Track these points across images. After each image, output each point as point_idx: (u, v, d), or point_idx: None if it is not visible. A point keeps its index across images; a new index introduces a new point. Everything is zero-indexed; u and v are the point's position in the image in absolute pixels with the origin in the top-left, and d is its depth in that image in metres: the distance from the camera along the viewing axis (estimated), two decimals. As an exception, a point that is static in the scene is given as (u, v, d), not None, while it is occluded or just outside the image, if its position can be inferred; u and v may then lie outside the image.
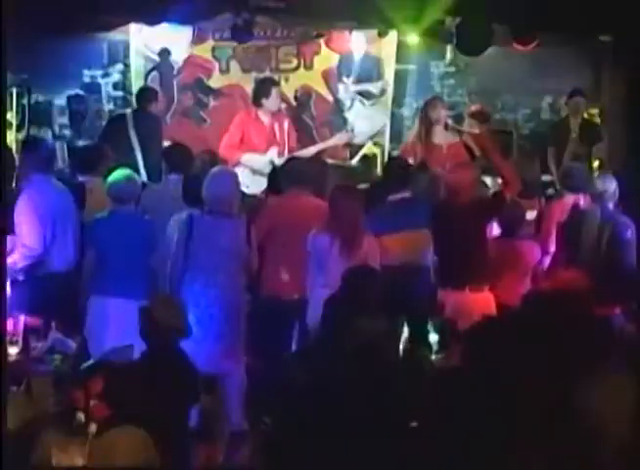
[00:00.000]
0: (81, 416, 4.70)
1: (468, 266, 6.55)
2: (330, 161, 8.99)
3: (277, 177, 7.42)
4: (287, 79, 10.00)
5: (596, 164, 9.12)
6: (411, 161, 8.03)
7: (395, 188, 7.05)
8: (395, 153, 9.68)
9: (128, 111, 9.38)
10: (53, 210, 6.58)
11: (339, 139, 9.54)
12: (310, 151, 8.96)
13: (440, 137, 8.44)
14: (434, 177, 7.60)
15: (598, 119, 9.86)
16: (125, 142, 8.73)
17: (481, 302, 6.55)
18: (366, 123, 10.18)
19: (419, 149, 8.38)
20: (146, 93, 9.35)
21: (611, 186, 7.14)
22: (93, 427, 4.64)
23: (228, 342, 6.35)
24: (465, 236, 6.57)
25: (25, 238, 6.42)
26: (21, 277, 6.39)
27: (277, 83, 9.07)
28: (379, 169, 9.64)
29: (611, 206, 7.11)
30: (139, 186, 6.79)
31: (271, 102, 8.79)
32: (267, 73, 10.14)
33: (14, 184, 6.85)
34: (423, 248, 6.84)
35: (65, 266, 6.63)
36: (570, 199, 7.36)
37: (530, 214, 7.43)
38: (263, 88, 8.90)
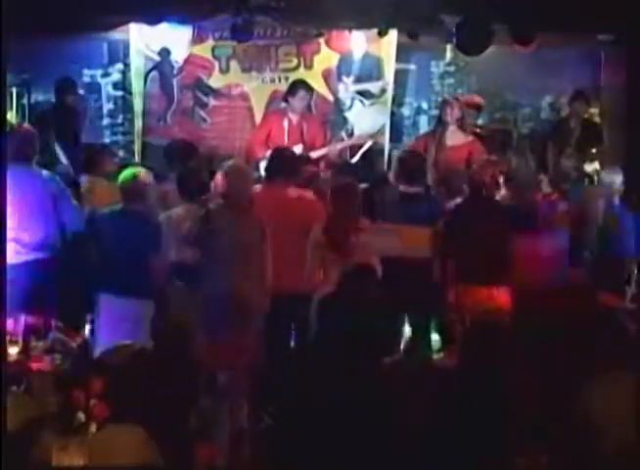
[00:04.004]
0: (81, 416, 4.70)
1: (491, 262, 6.52)
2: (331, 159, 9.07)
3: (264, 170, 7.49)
4: (287, 79, 9.99)
5: (596, 165, 9.12)
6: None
7: (408, 182, 7.09)
8: (396, 152, 9.72)
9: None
10: (20, 196, 6.52)
11: (358, 139, 9.62)
12: (331, 149, 9.11)
13: (453, 137, 8.55)
14: (448, 176, 7.67)
15: (598, 119, 9.87)
16: (45, 136, 8.73)
17: (502, 297, 6.55)
18: (366, 123, 10.18)
19: (432, 147, 8.48)
20: (62, 85, 9.36)
21: (617, 180, 7.19)
22: (93, 427, 4.65)
23: (247, 338, 6.32)
24: (490, 234, 6.54)
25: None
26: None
27: (307, 86, 9.10)
28: (380, 167, 9.68)
29: (616, 199, 7.15)
30: (149, 184, 6.77)
31: (296, 101, 8.90)
32: (267, 73, 10.16)
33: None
34: (427, 244, 6.85)
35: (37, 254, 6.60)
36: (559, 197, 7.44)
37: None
38: (292, 87, 9.06)
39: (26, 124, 6.91)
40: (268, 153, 8.59)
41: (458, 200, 7.19)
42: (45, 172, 6.84)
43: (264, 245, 6.45)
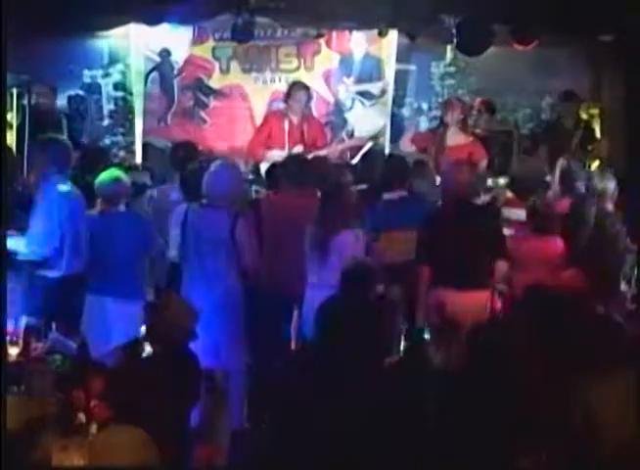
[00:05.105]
0: (81, 416, 4.70)
1: (471, 265, 6.49)
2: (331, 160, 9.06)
3: (275, 175, 7.50)
4: (287, 80, 10.00)
5: (595, 163, 9.14)
6: (418, 153, 8.15)
7: (393, 187, 7.08)
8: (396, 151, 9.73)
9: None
10: (66, 212, 6.52)
11: (358, 140, 9.64)
12: (331, 150, 9.10)
13: (454, 138, 8.57)
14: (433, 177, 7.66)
15: (598, 120, 9.88)
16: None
17: (484, 301, 6.53)
18: (366, 124, 10.18)
19: (432, 148, 8.48)
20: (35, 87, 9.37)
21: (610, 184, 7.18)
22: (93, 427, 4.64)
23: (225, 337, 6.34)
24: (467, 235, 6.52)
25: (38, 238, 6.39)
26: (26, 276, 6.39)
27: (305, 87, 9.14)
28: (380, 168, 9.67)
29: (609, 203, 7.14)
30: (127, 186, 6.78)
31: (295, 103, 8.98)
32: (268, 74, 10.17)
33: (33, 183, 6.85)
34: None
35: (79, 269, 6.57)
36: (567, 198, 7.43)
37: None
38: (290, 89, 9.12)
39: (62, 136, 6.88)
40: (270, 155, 8.65)
41: (438, 204, 7.17)
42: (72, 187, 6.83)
43: (244, 245, 6.44)
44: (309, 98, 9.26)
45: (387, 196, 7.09)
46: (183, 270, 6.45)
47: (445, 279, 6.39)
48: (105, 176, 6.67)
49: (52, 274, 6.41)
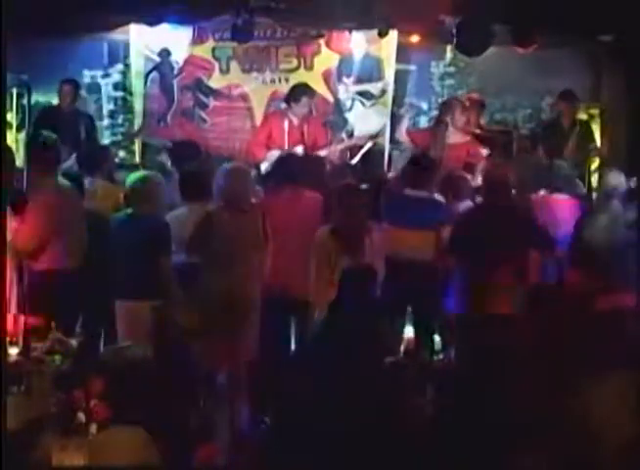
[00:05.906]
0: (81, 416, 4.70)
1: (508, 266, 6.49)
2: (331, 160, 9.07)
3: (272, 173, 7.51)
4: (287, 80, 10.00)
5: (595, 163, 9.15)
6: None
7: (415, 185, 7.09)
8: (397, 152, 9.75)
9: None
10: (57, 207, 6.53)
11: (358, 140, 9.63)
12: (331, 150, 9.11)
13: (452, 137, 8.58)
14: (452, 178, 7.67)
15: (597, 119, 9.89)
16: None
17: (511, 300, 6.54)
18: (366, 124, 10.19)
19: (432, 144, 8.51)
20: (62, 86, 9.37)
21: (620, 182, 7.22)
22: (93, 427, 4.64)
23: (243, 339, 6.33)
24: (509, 238, 6.51)
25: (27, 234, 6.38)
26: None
27: (309, 91, 9.13)
28: (380, 168, 9.68)
29: (618, 202, 7.17)
30: (158, 187, 6.75)
31: (299, 108, 8.98)
32: (267, 74, 10.16)
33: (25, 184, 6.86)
34: (430, 247, 6.85)
35: (71, 264, 6.59)
36: (558, 197, 7.46)
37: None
38: (294, 93, 9.08)
39: (49, 133, 6.88)
40: (270, 155, 8.65)
41: (468, 203, 7.19)
42: (66, 182, 6.82)
43: (265, 246, 6.46)
44: (313, 101, 9.26)
45: (407, 192, 7.12)
46: (198, 272, 6.40)
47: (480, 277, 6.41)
48: (135, 177, 6.67)
49: (41, 267, 6.41)
